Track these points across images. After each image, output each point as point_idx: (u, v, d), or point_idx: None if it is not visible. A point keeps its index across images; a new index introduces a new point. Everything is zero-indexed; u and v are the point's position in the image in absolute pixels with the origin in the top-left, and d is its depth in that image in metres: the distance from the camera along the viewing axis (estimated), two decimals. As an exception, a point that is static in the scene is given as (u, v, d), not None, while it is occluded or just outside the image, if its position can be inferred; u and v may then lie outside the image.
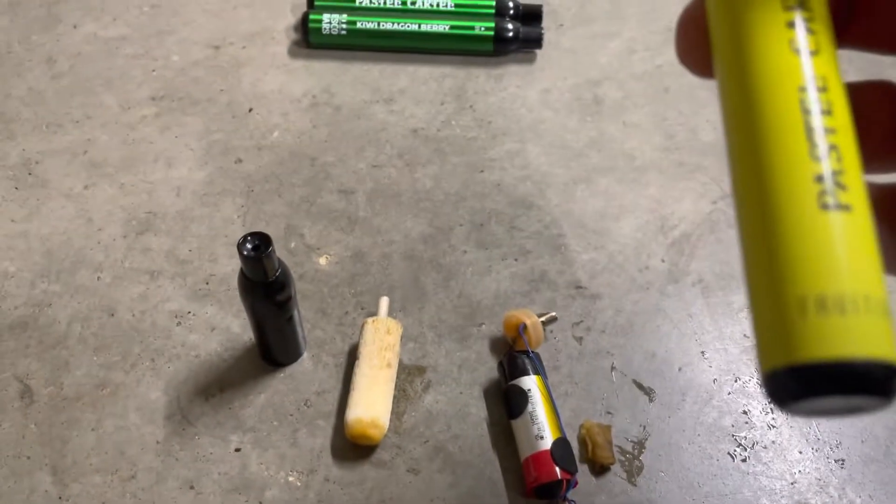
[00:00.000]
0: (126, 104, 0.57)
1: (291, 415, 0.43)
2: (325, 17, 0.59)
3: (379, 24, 0.59)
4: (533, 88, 0.59)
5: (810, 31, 0.16)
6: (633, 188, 0.52)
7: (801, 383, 0.14)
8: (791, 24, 0.16)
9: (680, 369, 0.44)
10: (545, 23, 0.61)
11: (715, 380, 0.44)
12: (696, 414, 0.43)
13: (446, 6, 0.60)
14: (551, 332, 0.45)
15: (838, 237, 0.15)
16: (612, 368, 0.44)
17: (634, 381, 0.44)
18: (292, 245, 0.49)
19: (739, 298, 0.47)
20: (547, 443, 0.39)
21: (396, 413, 0.42)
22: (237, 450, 0.41)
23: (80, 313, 0.46)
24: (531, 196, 0.52)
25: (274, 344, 0.43)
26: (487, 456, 0.41)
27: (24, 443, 0.41)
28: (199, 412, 0.43)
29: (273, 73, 0.59)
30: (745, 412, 0.43)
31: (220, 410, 0.43)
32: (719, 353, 0.45)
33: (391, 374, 0.42)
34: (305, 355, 0.45)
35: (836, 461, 0.41)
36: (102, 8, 0.63)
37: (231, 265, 0.48)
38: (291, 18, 0.63)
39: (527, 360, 0.42)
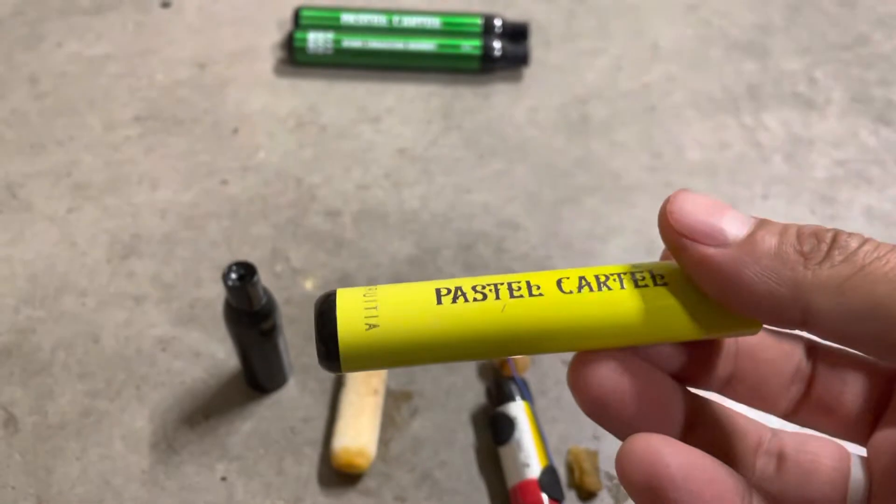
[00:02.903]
0: (110, 125, 0.56)
1: (277, 442, 0.42)
2: (311, 35, 0.59)
3: (365, 43, 0.59)
4: (520, 107, 0.59)
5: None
6: (619, 208, 0.52)
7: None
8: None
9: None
10: (532, 39, 0.61)
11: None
12: (682, 438, 0.43)
13: (433, 25, 0.60)
14: (538, 357, 0.45)
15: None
16: (599, 392, 0.44)
17: (621, 405, 0.44)
18: (278, 268, 0.49)
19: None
20: (534, 470, 0.39)
21: (383, 440, 0.42)
22: (223, 478, 0.41)
23: (65, 340, 0.46)
24: (518, 217, 0.52)
25: (259, 371, 0.43)
26: (475, 483, 0.41)
27: (8, 472, 0.41)
28: (184, 440, 0.42)
29: (258, 92, 0.59)
30: (731, 436, 0.43)
31: (205, 438, 0.42)
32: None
33: (378, 400, 0.42)
34: (292, 381, 0.44)
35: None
36: (87, 26, 0.63)
37: (216, 289, 0.47)
38: (277, 36, 0.63)
39: (514, 386, 0.42)
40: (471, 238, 0.51)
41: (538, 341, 0.19)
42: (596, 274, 0.19)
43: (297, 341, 0.46)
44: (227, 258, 0.49)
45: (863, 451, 0.21)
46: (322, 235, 0.51)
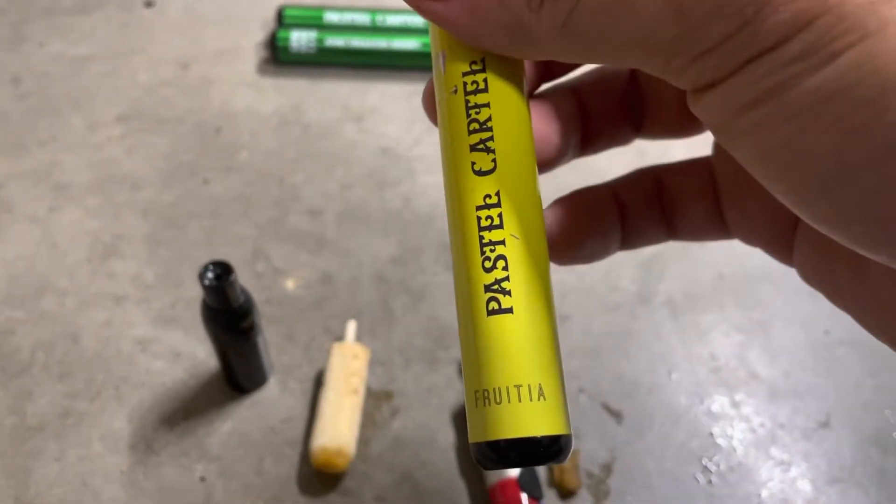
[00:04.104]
0: (93, 125, 0.56)
1: (257, 442, 0.42)
2: (294, 34, 0.59)
3: (348, 42, 0.59)
4: (503, 106, 0.58)
5: (487, 150, 0.19)
6: (602, 207, 0.52)
7: (483, 456, 0.18)
8: (473, 147, 0.19)
9: (648, 391, 0.44)
10: (516, 39, 0.61)
11: (682, 402, 0.44)
12: (663, 436, 0.43)
13: (416, 23, 0.60)
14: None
15: (498, 338, 0.18)
16: (581, 391, 0.44)
17: (602, 404, 0.44)
18: (259, 268, 0.49)
19: (707, 319, 0.47)
20: (513, 470, 0.39)
21: (363, 440, 0.42)
22: (202, 479, 0.41)
23: (44, 340, 0.45)
24: (501, 216, 0.52)
25: (238, 371, 0.43)
26: (455, 483, 0.41)
27: (-15, 474, 0.41)
28: (163, 441, 0.42)
29: (242, 91, 0.59)
30: (711, 434, 0.43)
31: (184, 439, 0.42)
32: (687, 375, 0.45)
33: (358, 400, 0.42)
34: (272, 381, 0.44)
35: (801, 482, 0.41)
36: (69, 26, 0.63)
37: (196, 289, 0.47)
38: (260, 35, 0.62)
39: (494, 385, 0.42)
40: (453, 237, 0.51)
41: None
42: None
43: (277, 341, 0.45)
44: (208, 258, 0.48)
45: None
46: (304, 235, 0.50)
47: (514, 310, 0.18)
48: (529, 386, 0.17)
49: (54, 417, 0.43)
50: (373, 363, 0.45)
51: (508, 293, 0.18)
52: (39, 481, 0.41)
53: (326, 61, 0.60)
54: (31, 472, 0.41)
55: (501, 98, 0.19)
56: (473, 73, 0.19)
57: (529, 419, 0.17)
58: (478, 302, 0.18)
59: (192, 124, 0.56)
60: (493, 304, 0.18)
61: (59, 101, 0.58)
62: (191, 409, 0.43)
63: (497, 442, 0.17)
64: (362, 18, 0.60)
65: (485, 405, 0.17)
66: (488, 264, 0.18)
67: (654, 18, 0.16)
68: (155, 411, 0.43)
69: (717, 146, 0.26)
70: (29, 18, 0.63)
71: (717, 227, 0.25)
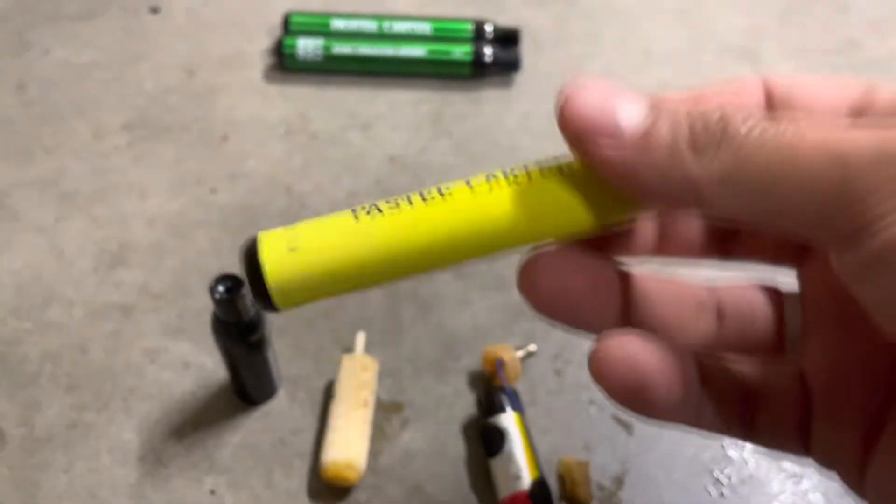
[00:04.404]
0: (98, 132, 0.56)
1: (267, 454, 0.42)
2: (301, 41, 0.59)
3: (355, 49, 0.59)
4: (511, 113, 0.58)
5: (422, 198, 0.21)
6: (611, 216, 0.52)
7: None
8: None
9: (658, 402, 0.44)
10: (523, 45, 0.61)
11: (693, 412, 0.44)
12: (674, 448, 0.43)
13: (423, 31, 0.60)
14: (529, 365, 0.45)
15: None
16: (591, 402, 0.44)
17: (613, 416, 0.44)
18: (268, 278, 0.48)
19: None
20: (524, 483, 0.39)
21: (373, 452, 0.42)
22: (212, 492, 0.41)
23: (52, 351, 0.45)
24: (509, 224, 0.51)
25: (248, 382, 0.42)
26: (466, 495, 0.41)
27: (-6, 487, 0.41)
28: (172, 453, 0.42)
29: (248, 98, 0.58)
30: (723, 446, 0.43)
31: (193, 451, 0.42)
32: (698, 385, 0.45)
33: (367, 413, 0.42)
34: (281, 393, 0.44)
35: (813, 494, 0.41)
36: (74, 33, 0.62)
37: (204, 299, 0.47)
38: (266, 42, 0.62)
39: (504, 397, 0.42)
40: (462, 246, 0.50)
41: (458, 243, 0.20)
42: (503, 170, 0.21)
43: (285, 352, 0.45)
44: (215, 267, 0.48)
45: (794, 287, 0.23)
46: (312, 244, 0.50)
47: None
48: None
49: (62, 429, 0.43)
50: (382, 374, 0.44)
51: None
52: (48, 494, 0.41)
53: (333, 68, 0.59)
54: (39, 484, 0.41)
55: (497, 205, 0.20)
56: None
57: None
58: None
59: (198, 132, 0.56)
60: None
61: (64, 109, 0.57)
62: (200, 420, 0.43)
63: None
64: (369, 25, 0.60)
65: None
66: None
67: (816, 162, 0.16)
68: (163, 423, 0.43)
69: (812, 349, 0.23)
70: (33, 25, 0.63)
71: (795, 438, 0.22)
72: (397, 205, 0.20)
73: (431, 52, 0.59)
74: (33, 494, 0.41)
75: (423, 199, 0.20)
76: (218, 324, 0.39)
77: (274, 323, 0.45)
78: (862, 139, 0.16)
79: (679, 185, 0.18)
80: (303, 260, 0.20)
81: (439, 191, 0.20)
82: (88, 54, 0.61)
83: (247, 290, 0.37)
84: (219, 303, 0.37)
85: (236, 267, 0.47)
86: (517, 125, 0.57)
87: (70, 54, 0.61)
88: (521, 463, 0.39)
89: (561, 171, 0.20)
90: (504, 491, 0.39)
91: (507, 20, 0.63)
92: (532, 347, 0.45)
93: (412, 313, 0.47)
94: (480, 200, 0.20)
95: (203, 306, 0.47)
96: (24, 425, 0.43)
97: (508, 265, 0.49)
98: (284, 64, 0.59)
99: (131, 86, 0.59)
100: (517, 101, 0.59)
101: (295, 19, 0.61)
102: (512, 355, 0.43)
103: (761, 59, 0.62)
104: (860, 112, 0.20)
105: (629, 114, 0.19)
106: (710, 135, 0.18)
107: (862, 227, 0.16)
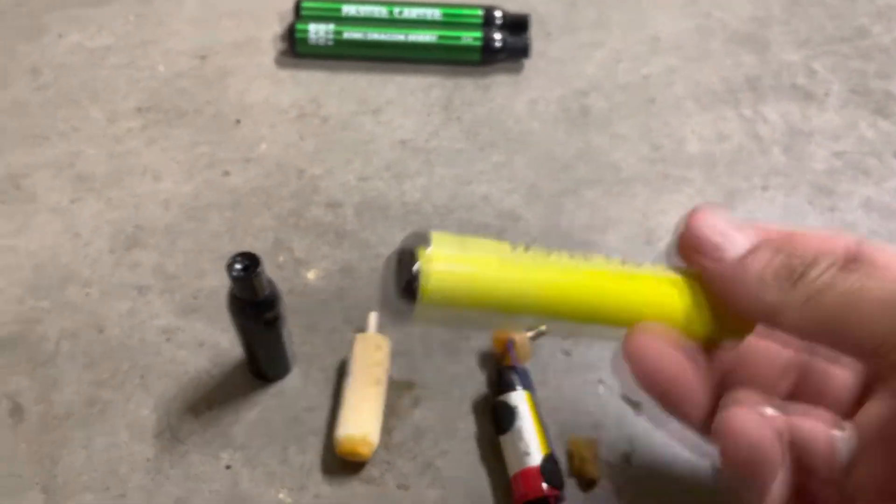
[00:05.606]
0: (112, 116, 0.57)
1: (281, 431, 0.43)
2: (312, 27, 0.59)
3: (366, 35, 0.59)
4: (520, 99, 0.59)
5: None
6: (619, 200, 0.53)
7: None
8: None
9: (666, 382, 0.45)
10: (532, 31, 0.62)
11: (700, 392, 0.45)
12: (682, 427, 0.43)
13: (433, 16, 0.61)
14: (540, 345, 0.46)
15: None
16: (600, 382, 0.45)
17: (622, 395, 0.44)
18: (280, 259, 0.49)
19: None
20: (534, 459, 0.39)
21: (386, 429, 0.43)
22: (228, 467, 0.42)
23: (69, 330, 0.46)
24: (518, 208, 0.52)
25: (263, 360, 0.43)
26: (476, 471, 0.42)
27: (15, 461, 0.42)
28: (188, 429, 0.43)
29: (260, 83, 0.59)
30: (730, 425, 0.43)
31: (209, 427, 0.43)
32: (705, 366, 0.46)
33: (381, 390, 0.42)
34: (295, 371, 0.45)
35: (819, 473, 0.42)
36: (88, 18, 0.63)
37: (219, 279, 0.48)
38: (278, 28, 0.63)
39: (515, 376, 0.42)
40: (471, 229, 0.51)
41: (582, 301, 0.25)
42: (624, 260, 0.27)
43: (299, 331, 0.46)
44: (229, 249, 0.49)
45: None
46: (324, 227, 0.51)
47: None
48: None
49: (81, 406, 0.43)
50: (394, 354, 0.45)
51: None
52: (67, 469, 0.41)
53: (344, 54, 0.60)
54: (58, 460, 0.42)
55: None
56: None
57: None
58: None
59: (211, 116, 0.57)
60: None
61: (77, 93, 0.58)
62: (215, 398, 0.44)
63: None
64: (380, 11, 0.61)
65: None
66: None
67: (874, 308, 0.22)
68: (180, 400, 0.44)
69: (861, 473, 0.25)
70: (47, 10, 0.63)
71: None
72: (548, 251, 0.25)
73: (441, 37, 0.60)
74: (52, 469, 0.41)
75: (570, 256, 0.25)
76: (234, 302, 0.39)
77: (286, 303, 0.46)
78: None
79: (762, 306, 0.24)
80: (466, 259, 0.23)
81: (582, 254, 0.26)
82: (102, 39, 0.62)
83: (263, 272, 0.37)
84: (235, 280, 0.37)
85: (249, 248, 0.48)
86: (526, 111, 0.58)
87: (84, 39, 0.62)
88: (531, 440, 0.40)
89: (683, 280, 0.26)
90: (514, 467, 0.40)
91: (516, 6, 0.63)
92: (542, 328, 0.46)
93: (423, 294, 0.48)
94: (617, 276, 0.26)
95: (217, 286, 0.48)
96: (43, 402, 0.43)
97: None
98: (296, 49, 0.60)
99: (145, 70, 0.60)
100: (526, 87, 0.60)
101: (306, 5, 0.61)
102: (522, 335, 0.44)
103: (769, 47, 0.63)
104: None
105: (739, 240, 0.25)
106: (792, 272, 0.23)
107: None
